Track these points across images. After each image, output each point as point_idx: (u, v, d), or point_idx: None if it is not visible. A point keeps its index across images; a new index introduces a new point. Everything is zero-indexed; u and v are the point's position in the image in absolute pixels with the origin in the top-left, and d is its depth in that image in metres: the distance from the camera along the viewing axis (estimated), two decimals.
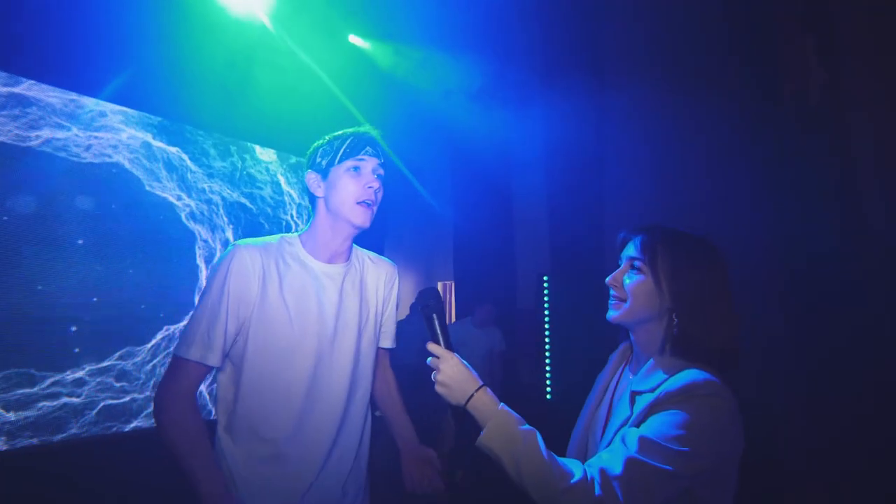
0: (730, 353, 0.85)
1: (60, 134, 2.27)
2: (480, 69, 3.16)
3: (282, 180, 3.24)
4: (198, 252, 2.79)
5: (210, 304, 1.00)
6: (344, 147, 1.08)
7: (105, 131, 2.43)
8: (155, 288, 2.59)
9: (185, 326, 1.03)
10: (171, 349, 2.62)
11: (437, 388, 0.87)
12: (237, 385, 1.03)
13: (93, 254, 2.36)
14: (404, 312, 3.49)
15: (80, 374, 2.29)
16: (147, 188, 2.59)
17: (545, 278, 2.96)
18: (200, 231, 2.81)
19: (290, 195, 3.27)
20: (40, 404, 2.14)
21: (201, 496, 0.95)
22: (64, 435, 2.21)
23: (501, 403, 0.84)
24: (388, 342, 1.23)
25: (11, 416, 2.05)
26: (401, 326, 1.34)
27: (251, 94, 2.94)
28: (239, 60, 2.92)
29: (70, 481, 2.09)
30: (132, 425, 2.46)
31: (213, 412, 2.60)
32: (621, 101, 2.63)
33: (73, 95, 2.32)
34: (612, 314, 0.93)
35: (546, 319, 3.00)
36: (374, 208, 1.09)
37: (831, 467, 1.85)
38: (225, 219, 2.92)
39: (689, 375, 0.81)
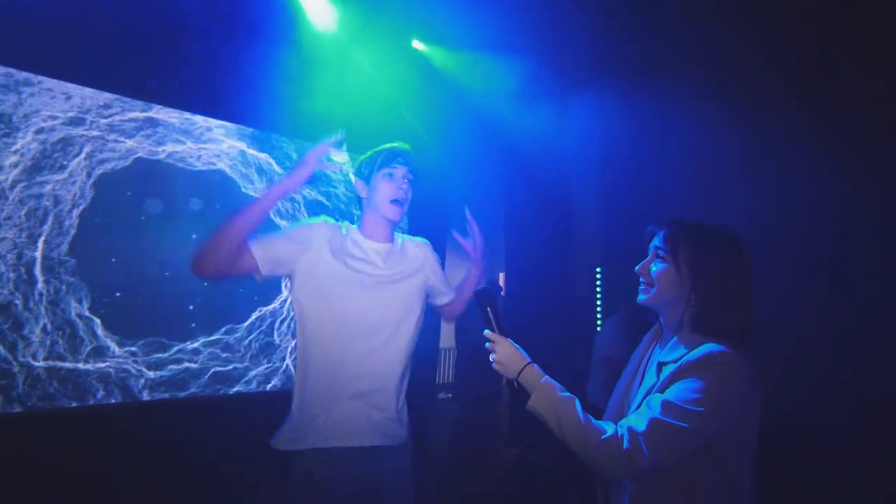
0: (743, 329, 0.96)
1: (179, 147, 2.76)
2: (535, 69, 3.26)
3: (353, 179, 3.58)
4: None
5: (283, 227, 1.31)
6: (380, 159, 1.39)
7: (211, 143, 2.90)
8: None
9: None
10: (265, 327, 3.08)
11: (495, 366, 1.07)
12: (303, 331, 1.31)
13: None
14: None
15: (196, 344, 2.79)
16: (243, 190, 3.04)
17: (598, 270, 3.03)
18: (285, 226, 3.24)
19: None
20: (169, 367, 2.67)
21: (280, 189, 1.26)
22: (186, 393, 2.73)
23: (546, 376, 1.01)
24: (443, 299, 1.51)
25: (151, 374, 2.59)
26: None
27: (326, 101, 3.28)
28: (316, 72, 3.27)
29: (189, 430, 2.59)
30: (235, 389, 2.95)
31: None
32: (675, 101, 2.61)
33: (188, 115, 2.79)
34: (641, 298, 1.07)
35: (598, 309, 3.08)
36: (405, 206, 1.39)
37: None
38: (306, 215, 3.33)
39: (707, 348, 0.93)
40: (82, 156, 2.45)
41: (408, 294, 1.39)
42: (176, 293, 2.71)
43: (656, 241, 1.05)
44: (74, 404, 2.37)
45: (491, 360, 1.06)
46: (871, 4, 1.97)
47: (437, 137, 3.54)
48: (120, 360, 2.50)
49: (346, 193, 3.56)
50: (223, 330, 2.92)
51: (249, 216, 1.21)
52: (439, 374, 6.15)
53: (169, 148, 2.72)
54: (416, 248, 1.47)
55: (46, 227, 2.34)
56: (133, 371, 2.54)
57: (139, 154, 2.61)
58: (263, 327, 3.08)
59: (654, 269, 1.04)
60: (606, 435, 0.89)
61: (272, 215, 3.17)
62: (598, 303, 3.08)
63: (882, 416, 1.82)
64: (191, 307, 2.78)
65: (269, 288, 3.13)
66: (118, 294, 2.52)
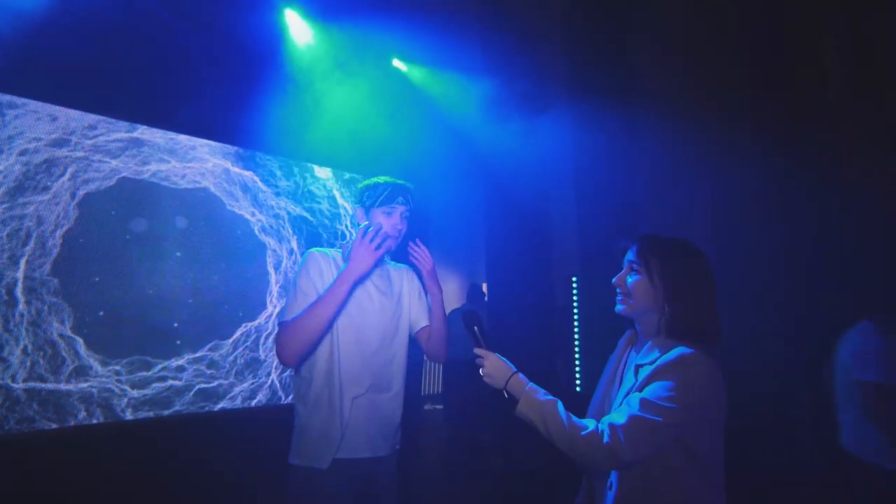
0: (711, 333, 1.08)
1: (164, 166, 2.79)
2: (511, 84, 3.42)
3: (337, 195, 3.66)
4: (268, 260, 3.26)
5: (300, 285, 1.37)
6: (383, 196, 1.45)
7: (195, 161, 2.94)
8: (234, 291, 3.08)
9: (285, 302, 1.41)
10: (249, 343, 3.10)
11: (485, 379, 1.17)
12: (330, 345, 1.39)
13: (187, 264, 2.86)
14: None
15: (180, 361, 2.79)
16: (227, 207, 3.08)
17: (574, 279, 3.17)
18: (270, 242, 3.28)
19: (344, 208, 3.69)
20: (154, 385, 2.66)
21: (346, 277, 1.31)
22: (170, 411, 2.72)
23: (530, 383, 1.11)
24: (423, 321, 1.58)
25: (135, 392, 2.58)
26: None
27: (308, 119, 3.37)
28: (298, 90, 3.35)
29: (173, 449, 2.59)
30: (220, 406, 2.95)
31: (284, 395, 3.05)
32: (648, 111, 2.79)
33: (172, 134, 2.83)
34: (619, 308, 1.18)
35: (575, 317, 3.21)
36: (398, 239, 1.48)
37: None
38: (290, 230, 3.38)
39: (678, 351, 1.04)
40: (66, 176, 2.46)
41: (396, 311, 1.50)
42: (160, 311, 2.72)
43: (630, 255, 1.16)
44: (55, 426, 2.34)
45: (480, 373, 1.16)
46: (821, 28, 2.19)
47: (418, 155, 3.66)
48: (103, 379, 2.49)
49: (330, 209, 3.63)
50: (208, 346, 2.93)
51: (329, 308, 1.29)
52: (424, 385, 6.18)
53: (153, 167, 2.75)
54: (397, 274, 1.57)
55: (29, 248, 2.34)
56: (116, 390, 2.53)
57: (124, 174, 2.64)
58: (248, 343, 3.10)
59: (629, 280, 1.14)
60: (588, 431, 0.99)
61: (257, 232, 3.21)
62: (576, 311, 3.21)
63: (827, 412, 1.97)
64: (175, 324, 2.78)
65: (255, 304, 3.15)
66: (102, 313, 2.51)
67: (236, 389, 3.02)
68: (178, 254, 2.84)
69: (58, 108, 2.44)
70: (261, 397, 3.09)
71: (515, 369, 1.14)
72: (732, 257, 2.52)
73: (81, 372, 2.44)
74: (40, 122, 2.39)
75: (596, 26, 3.01)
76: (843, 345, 1.92)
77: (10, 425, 2.23)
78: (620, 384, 1.17)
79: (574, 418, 1.04)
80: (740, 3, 2.52)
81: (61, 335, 2.40)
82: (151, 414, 2.64)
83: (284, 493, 1.34)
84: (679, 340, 1.07)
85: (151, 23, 2.52)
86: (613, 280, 1.17)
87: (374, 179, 1.49)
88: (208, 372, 2.91)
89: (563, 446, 1.01)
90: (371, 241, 1.33)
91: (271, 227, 3.29)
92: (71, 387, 2.40)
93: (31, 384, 2.30)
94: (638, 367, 1.11)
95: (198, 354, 2.87)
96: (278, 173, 3.35)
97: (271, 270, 3.26)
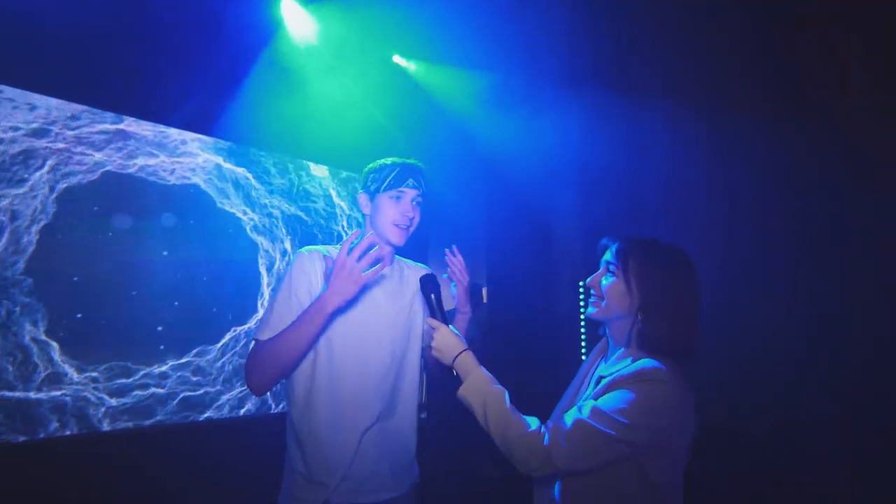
0: (686, 349, 0.97)
1: (152, 161, 2.64)
2: (514, 84, 3.32)
3: (333, 194, 3.52)
4: (260, 261, 3.11)
5: (280, 297, 1.18)
6: (390, 178, 1.25)
7: (186, 157, 2.79)
8: (224, 293, 2.92)
9: (262, 316, 1.23)
10: (238, 349, 2.94)
11: (433, 353, 1.05)
12: (314, 363, 1.20)
13: (174, 263, 2.71)
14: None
15: (164, 368, 2.63)
16: (218, 205, 2.93)
17: (581, 284, 3.05)
18: (262, 242, 3.13)
19: (341, 207, 3.55)
20: (134, 393, 2.49)
21: (322, 306, 1.06)
22: (152, 420, 2.55)
23: (482, 366, 1.00)
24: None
25: (113, 401, 2.40)
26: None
27: (305, 115, 3.23)
28: (294, 85, 3.22)
29: (155, 462, 2.41)
30: (206, 415, 2.78)
31: (275, 404, 2.89)
32: (654, 115, 2.70)
33: (161, 127, 2.69)
34: (590, 311, 1.07)
35: (582, 325, 3.09)
36: (410, 230, 1.28)
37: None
38: (283, 230, 3.23)
39: (641, 364, 0.93)
40: (45, 169, 2.30)
41: (408, 317, 1.31)
42: (143, 314, 2.55)
43: (608, 256, 1.06)
44: (22, 438, 2.16)
45: (431, 346, 1.06)
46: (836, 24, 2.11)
47: (419, 154, 3.54)
48: (78, 387, 2.32)
49: (326, 209, 3.49)
50: (194, 352, 2.76)
51: (303, 339, 1.10)
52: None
53: (141, 161, 2.60)
54: (411, 273, 1.37)
55: (1, 245, 2.18)
56: (93, 399, 2.36)
57: (108, 167, 2.48)
58: (237, 348, 2.93)
59: (604, 283, 1.04)
60: (530, 429, 0.90)
61: (249, 231, 3.06)
62: (582, 320, 3.09)
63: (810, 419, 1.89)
64: (159, 328, 2.62)
65: (245, 306, 2.99)
66: (79, 315, 2.35)
67: (223, 398, 2.85)
68: (165, 253, 2.68)
69: (37, 96, 2.29)
70: (250, 406, 2.93)
71: (467, 346, 1.03)
72: (741, 259, 2.42)
73: (55, 379, 2.26)
74: (18, 110, 2.24)
75: (604, 21, 2.92)
76: None
77: None
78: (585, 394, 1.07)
79: (518, 413, 0.93)
80: None
81: (34, 339, 2.23)
82: (131, 424, 2.46)
83: None
84: (650, 353, 0.96)
85: (141, 6, 2.38)
86: (587, 280, 1.07)
87: (381, 161, 1.30)
88: (194, 379, 2.74)
89: (498, 440, 0.91)
90: (359, 259, 1.05)
91: (264, 226, 3.14)
92: (42, 395, 2.23)
93: None
94: (601, 377, 1.01)
95: (183, 360, 2.70)
96: (273, 171, 3.21)
97: (263, 272, 3.11)
